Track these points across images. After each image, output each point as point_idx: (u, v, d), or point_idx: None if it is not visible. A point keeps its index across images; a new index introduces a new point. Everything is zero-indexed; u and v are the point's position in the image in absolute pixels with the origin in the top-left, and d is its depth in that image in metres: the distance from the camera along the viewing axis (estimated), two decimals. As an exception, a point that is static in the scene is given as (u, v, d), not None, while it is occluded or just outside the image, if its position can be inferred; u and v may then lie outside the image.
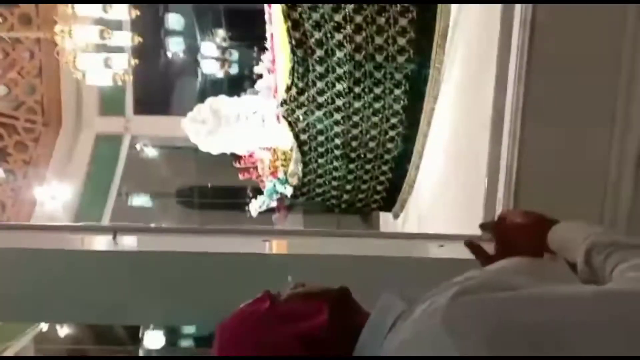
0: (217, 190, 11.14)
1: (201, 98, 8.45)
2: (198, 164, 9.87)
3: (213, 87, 9.30)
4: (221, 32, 10.13)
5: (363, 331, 0.90)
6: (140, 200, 11.13)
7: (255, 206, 5.62)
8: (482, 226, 1.35)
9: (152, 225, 4.06)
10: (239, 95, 7.07)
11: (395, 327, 0.87)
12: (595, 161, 2.62)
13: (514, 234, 1.21)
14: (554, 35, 2.58)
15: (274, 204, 5.64)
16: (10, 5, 7.63)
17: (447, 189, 4.01)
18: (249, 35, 9.31)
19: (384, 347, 0.86)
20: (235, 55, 10.52)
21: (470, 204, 3.25)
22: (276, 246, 2.74)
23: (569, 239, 1.09)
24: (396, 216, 5.58)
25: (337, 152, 4.93)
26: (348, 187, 5.26)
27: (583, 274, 1.00)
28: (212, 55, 10.29)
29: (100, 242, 2.75)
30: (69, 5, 5.25)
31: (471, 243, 1.29)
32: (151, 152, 10.11)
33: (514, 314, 0.78)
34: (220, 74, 10.19)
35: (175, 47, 10.65)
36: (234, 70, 10.40)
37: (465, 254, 2.77)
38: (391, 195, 5.31)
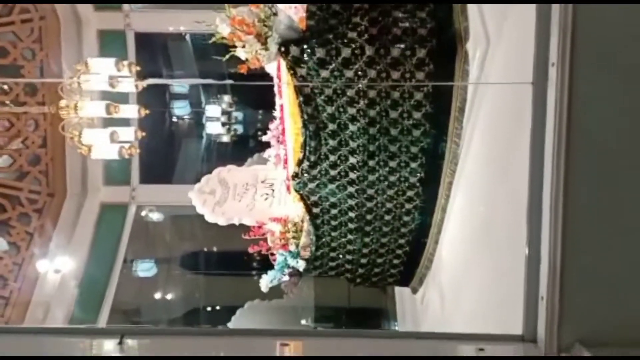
0: (225, 256, 10.92)
1: (207, 164, 8.37)
2: (205, 230, 9.67)
3: (219, 153, 9.21)
4: (227, 98, 10.14)
5: None
6: (146, 267, 10.88)
7: (267, 282, 5.37)
8: None
9: (161, 327, 3.82)
10: (246, 160, 6.96)
11: None
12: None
13: None
14: (594, 111, 2.41)
15: (285, 278, 5.40)
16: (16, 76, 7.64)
17: (475, 270, 3.78)
18: (255, 100, 9.31)
19: None
20: (240, 117, 10.51)
21: (505, 291, 3.02)
22: (293, 348, 2.51)
23: None
24: (414, 291, 5.33)
25: (352, 226, 4.73)
26: (363, 260, 5.04)
27: None
28: (218, 117, 10.27)
29: (107, 347, 2.52)
30: (75, 79, 5.18)
31: None
32: (157, 218, 9.93)
33: None
34: (226, 138, 10.14)
35: (180, 111, 10.65)
36: (240, 132, 10.36)
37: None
38: (409, 269, 5.07)
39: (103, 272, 8.12)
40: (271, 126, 5.83)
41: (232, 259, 10.30)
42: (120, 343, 2.52)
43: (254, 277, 8.25)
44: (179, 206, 7.68)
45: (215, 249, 11.28)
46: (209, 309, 10.96)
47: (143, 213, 9.25)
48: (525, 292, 2.63)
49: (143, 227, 9.25)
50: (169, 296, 11.01)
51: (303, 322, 9.85)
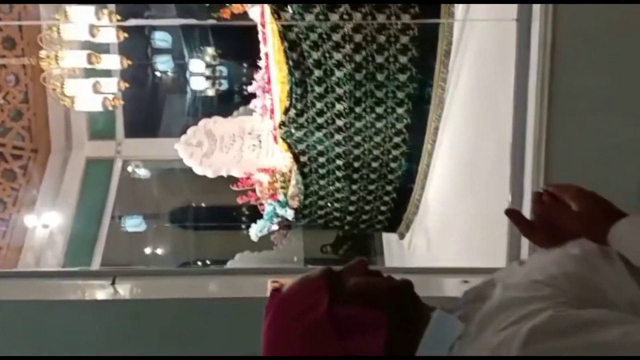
0: (214, 210, 10.96)
1: (193, 118, 8.28)
2: (192, 184, 9.68)
3: (204, 107, 9.12)
4: (210, 50, 9.96)
5: (419, 350, 0.89)
6: (134, 222, 10.90)
7: (256, 231, 5.43)
8: (510, 213, 1.10)
9: (152, 267, 3.85)
10: (231, 114, 6.91)
11: (453, 350, 0.86)
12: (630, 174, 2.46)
13: (564, 221, 1.02)
14: (577, 48, 2.42)
15: (274, 227, 5.46)
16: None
17: (459, 213, 3.85)
18: (239, 52, 9.15)
19: None
20: (225, 72, 10.36)
21: (488, 230, 3.09)
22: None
23: (636, 242, 0.94)
24: (402, 236, 5.42)
25: (339, 174, 4.76)
26: (351, 208, 5.09)
27: None
28: (202, 72, 10.11)
29: (99, 289, 2.56)
30: (54, 28, 5.05)
31: (512, 211, 1.09)
32: (144, 173, 9.89)
33: None
34: (210, 92, 10.01)
35: (163, 66, 10.46)
36: (224, 87, 10.22)
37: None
38: (396, 215, 5.14)
39: (91, 227, 8.12)
40: (256, 76, 5.77)
41: (221, 213, 10.36)
42: (113, 284, 2.56)
43: (243, 229, 8.30)
44: (166, 160, 7.66)
45: (203, 203, 11.31)
46: (199, 262, 11.06)
47: (129, 168, 9.21)
48: (508, 235, 2.70)
49: (130, 183, 9.22)
50: (158, 251, 11.08)
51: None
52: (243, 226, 8.89)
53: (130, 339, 2.33)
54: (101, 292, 2.51)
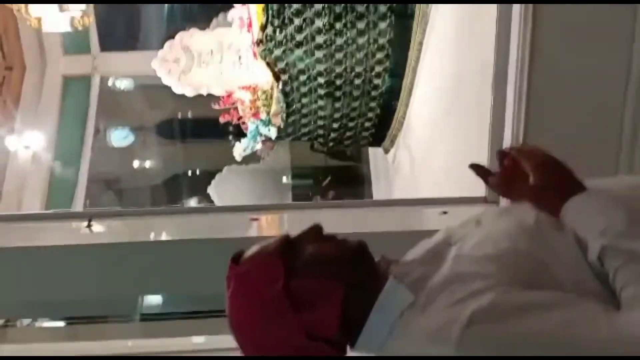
0: (200, 122, 10.80)
1: (171, 29, 7.92)
2: (177, 96, 9.47)
3: (182, 15, 8.70)
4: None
5: (370, 318, 0.95)
6: (120, 136, 10.77)
7: (240, 151, 5.37)
8: (474, 168, 1.10)
9: (130, 208, 3.82)
10: (209, 25, 6.60)
11: (403, 318, 0.93)
12: (610, 109, 2.40)
13: (520, 191, 1.01)
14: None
15: (258, 146, 5.39)
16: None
17: (441, 136, 3.78)
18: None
19: (389, 346, 0.94)
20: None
21: (469, 156, 3.04)
22: (266, 223, 2.55)
23: (587, 220, 0.94)
24: (386, 151, 5.38)
25: (321, 92, 4.63)
26: (335, 125, 5.01)
27: (593, 264, 0.92)
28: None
29: (75, 231, 2.53)
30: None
31: (475, 166, 1.10)
32: (126, 86, 9.63)
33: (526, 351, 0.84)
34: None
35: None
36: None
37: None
38: (380, 131, 5.07)
39: (74, 145, 8.04)
40: (233, -14, 5.46)
41: (208, 125, 10.22)
42: (89, 226, 2.54)
43: (230, 142, 8.22)
44: (146, 76, 7.42)
45: (190, 115, 11.12)
46: (188, 174, 11.07)
47: (110, 82, 8.96)
48: (488, 157, 2.66)
49: (111, 98, 9.01)
50: (146, 164, 11.05)
51: (284, 179, 10.02)
52: (230, 137, 8.81)
53: (108, 283, 2.35)
54: (77, 232, 2.48)
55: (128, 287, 2.36)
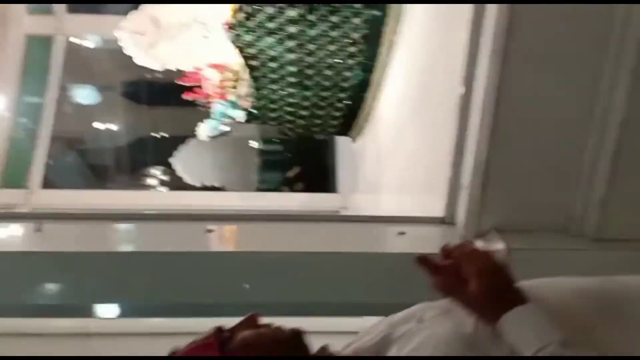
0: (170, 86, 10.51)
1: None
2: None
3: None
4: None
5: None
6: (85, 94, 10.46)
7: (206, 132, 5.27)
8: (420, 261, 1.07)
9: (80, 210, 3.73)
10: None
11: None
12: (572, 142, 2.40)
13: (459, 297, 1.02)
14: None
15: (225, 128, 5.30)
16: None
17: (406, 139, 3.77)
18: None
19: None
20: None
21: (431, 165, 3.05)
22: (224, 233, 2.52)
23: (524, 337, 0.95)
24: (354, 140, 5.36)
25: (292, 80, 4.56)
26: (303, 113, 4.95)
27: None
28: None
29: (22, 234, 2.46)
30: None
31: (424, 260, 1.07)
32: (93, 45, 9.30)
33: None
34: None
35: None
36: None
37: (427, 245, 2.60)
38: (348, 121, 5.04)
39: (36, 103, 7.79)
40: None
41: (177, 90, 9.98)
42: (39, 230, 2.47)
43: (201, 107, 8.05)
44: (114, 40, 7.17)
45: (158, 78, 10.82)
46: (154, 139, 10.87)
47: (75, 42, 8.64)
48: (450, 179, 2.66)
49: (77, 58, 8.70)
50: (111, 126, 10.79)
51: (254, 144, 9.88)
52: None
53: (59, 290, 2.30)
54: (26, 237, 2.41)
55: (80, 295, 2.33)
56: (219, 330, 1.04)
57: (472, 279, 0.99)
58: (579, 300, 1.06)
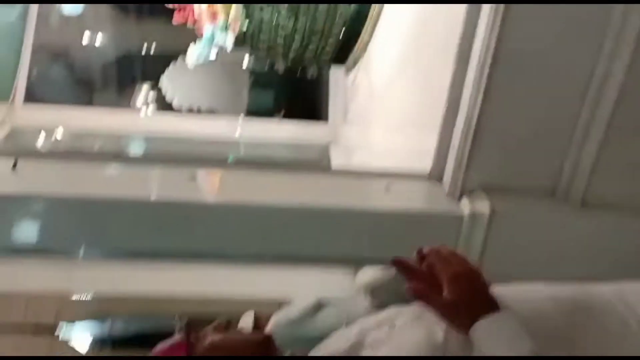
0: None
1: None
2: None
3: None
4: None
5: None
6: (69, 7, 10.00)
7: (192, 58, 5.08)
8: (395, 263, 1.05)
9: (61, 151, 3.61)
10: None
11: None
12: (566, 107, 2.34)
13: (432, 303, 1.01)
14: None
15: (213, 56, 5.11)
16: None
17: (398, 86, 3.67)
18: None
19: None
20: None
21: (423, 116, 2.99)
22: (208, 181, 2.47)
23: (495, 345, 0.95)
24: (348, 71, 5.22)
25: (284, 12, 4.34)
26: (295, 43, 4.77)
27: None
28: None
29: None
30: None
31: (399, 262, 1.05)
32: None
33: None
34: None
35: None
36: None
37: (412, 201, 2.59)
38: (342, 52, 4.87)
39: (19, 13, 7.47)
40: None
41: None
42: (14, 167, 2.41)
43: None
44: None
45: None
46: (143, 54, 10.54)
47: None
48: (440, 132, 2.62)
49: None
50: (97, 38, 10.41)
51: (244, 64, 9.64)
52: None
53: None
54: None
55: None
56: (188, 333, 1.07)
57: (446, 283, 0.97)
58: (552, 309, 1.05)
